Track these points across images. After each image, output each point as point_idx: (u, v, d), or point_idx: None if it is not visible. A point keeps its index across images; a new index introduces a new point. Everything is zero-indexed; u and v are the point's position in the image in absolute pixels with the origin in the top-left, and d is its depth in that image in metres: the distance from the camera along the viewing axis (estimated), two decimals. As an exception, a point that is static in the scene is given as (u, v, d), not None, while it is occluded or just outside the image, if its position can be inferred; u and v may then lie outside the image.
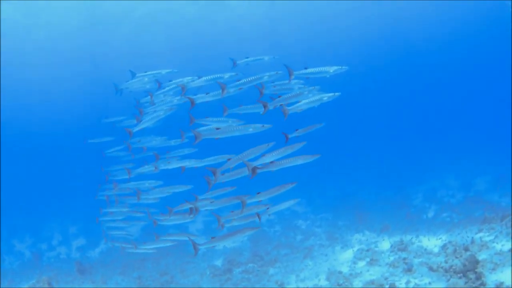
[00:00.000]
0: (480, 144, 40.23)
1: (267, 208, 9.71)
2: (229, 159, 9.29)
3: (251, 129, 9.31)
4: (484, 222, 16.19)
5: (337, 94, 9.75)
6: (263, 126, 9.25)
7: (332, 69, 9.78)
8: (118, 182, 14.20)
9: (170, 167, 11.73)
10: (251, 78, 9.94)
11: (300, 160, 8.92)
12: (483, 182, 28.63)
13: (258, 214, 9.65)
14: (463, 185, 29.13)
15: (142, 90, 13.26)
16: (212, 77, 10.57)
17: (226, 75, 10.39)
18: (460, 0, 43.01)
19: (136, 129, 11.96)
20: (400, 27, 49.86)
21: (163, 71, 12.63)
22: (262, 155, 8.98)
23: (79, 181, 46.35)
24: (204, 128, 10.10)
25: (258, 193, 9.34)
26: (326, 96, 9.69)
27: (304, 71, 9.88)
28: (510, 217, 14.92)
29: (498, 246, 13.79)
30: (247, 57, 10.95)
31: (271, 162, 8.91)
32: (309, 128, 9.60)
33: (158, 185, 13.05)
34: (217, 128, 9.47)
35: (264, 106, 9.51)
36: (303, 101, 9.65)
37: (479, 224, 16.51)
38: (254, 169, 8.81)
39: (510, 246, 13.65)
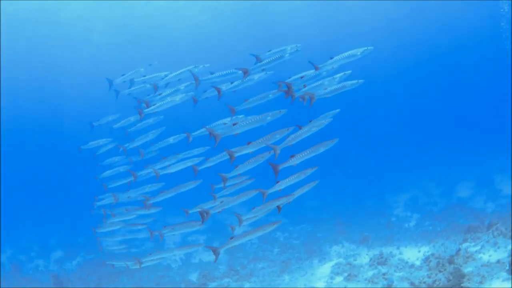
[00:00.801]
0: (462, 149, 39.80)
1: (289, 197, 9.15)
2: (249, 143, 9.08)
3: (269, 117, 9.20)
4: (469, 231, 15.25)
5: (360, 81, 9.68)
6: (280, 111, 9.18)
7: (359, 51, 9.57)
8: (115, 190, 13.68)
9: (172, 170, 11.58)
10: (273, 58, 9.92)
11: (322, 147, 8.84)
12: (466, 188, 28.24)
13: (279, 207, 9.12)
14: (445, 192, 28.70)
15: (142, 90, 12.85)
16: (230, 71, 10.44)
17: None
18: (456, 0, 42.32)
19: (149, 110, 11.56)
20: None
21: (162, 74, 12.19)
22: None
23: (65, 190, 46.35)
24: (216, 124, 10.32)
25: (278, 181, 8.97)
26: (349, 84, 9.65)
27: (330, 61, 9.73)
28: (498, 225, 13.90)
29: (485, 257, 13.05)
30: (269, 50, 10.24)
31: (292, 156, 8.79)
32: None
33: (158, 187, 12.56)
34: (234, 124, 9.37)
35: (287, 92, 9.47)
36: (328, 89, 9.63)
37: (464, 233, 15.69)
38: (275, 167, 8.74)
39: (498, 257, 12.70)
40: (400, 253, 15.95)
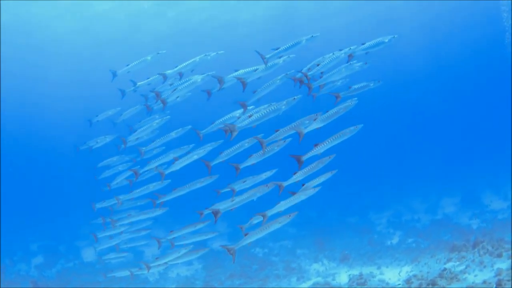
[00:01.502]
0: (447, 164, 39.66)
1: (303, 185, 8.96)
2: (276, 131, 8.83)
3: (284, 105, 9.07)
4: (454, 250, 14.48)
5: (380, 82, 10.01)
6: (294, 98, 9.07)
7: (387, 38, 9.92)
8: (116, 191, 13.10)
9: (176, 168, 11.03)
10: (289, 44, 9.87)
11: (347, 133, 8.75)
12: (451, 204, 27.98)
13: (294, 193, 8.87)
14: (429, 208, 28.31)
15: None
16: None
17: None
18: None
19: (169, 96, 11.18)
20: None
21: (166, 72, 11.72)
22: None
23: (55, 196, 45.96)
24: (228, 117, 10.12)
25: (295, 173, 8.79)
26: (372, 83, 9.96)
27: (362, 46, 9.93)
28: (484, 243, 13.13)
29: (471, 278, 12.49)
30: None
31: (316, 145, 8.69)
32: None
33: (163, 185, 11.97)
34: (250, 116, 9.14)
35: (301, 81, 9.67)
36: (353, 87, 9.90)
37: (448, 252, 14.92)
38: (299, 158, 8.61)
39: (484, 277, 11.92)
40: (381, 273, 15.42)
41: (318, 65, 9.97)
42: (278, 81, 9.77)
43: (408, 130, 55.75)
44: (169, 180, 11.77)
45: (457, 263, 13.69)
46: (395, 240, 22.67)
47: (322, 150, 8.71)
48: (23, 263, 27.16)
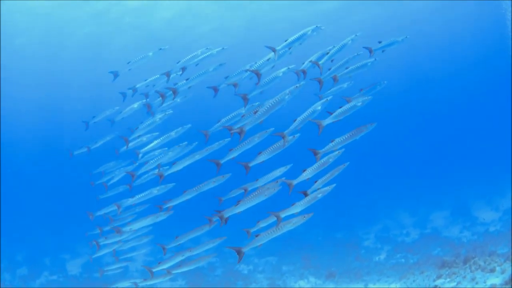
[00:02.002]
0: (436, 177, 38.96)
1: (315, 181, 8.71)
2: (295, 120, 8.67)
3: (287, 95, 8.85)
4: (444, 266, 13.76)
5: (385, 82, 10.21)
6: (297, 86, 8.87)
7: (400, 38, 10.46)
8: (115, 198, 12.47)
9: (177, 168, 10.54)
10: (296, 36, 9.94)
11: (361, 132, 8.68)
12: (440, 217, 27.57)
13: (305, 193, 8.49)
14: (418, 222, 27.92)
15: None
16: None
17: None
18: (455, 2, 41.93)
19: (184, 84, 11.09)
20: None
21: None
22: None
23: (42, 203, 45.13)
24: (232, 116, 10.01)
25: (304, 170, 8.65)
26: (379, 85, 10.18)
27: (379, 45, 10.44)
28: (475, 259, 12.38)
29: None
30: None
31: (332, 141, 8.67)
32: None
33: (166, 190, 11.33)
34: (255, 112, 8.90)
35: (304, 72, 9.82)
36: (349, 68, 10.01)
37: (438, 268, 14.29)
38: (316, 153, 8.55)
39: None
40: (368, 292, 14.57)
41: (327, 53, 10.14)
42: (280, 73, 9.74)
43: (395, 143, 55.28)
44: (173, 184, 11.29)
45: (448, 279, 13.08)
46: (383, 255, 22.34)
47: (338, 146, 8.67)
48: (7, 273, 26.59)
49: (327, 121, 8.65)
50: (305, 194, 8.48)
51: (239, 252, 8.51)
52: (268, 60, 10.00)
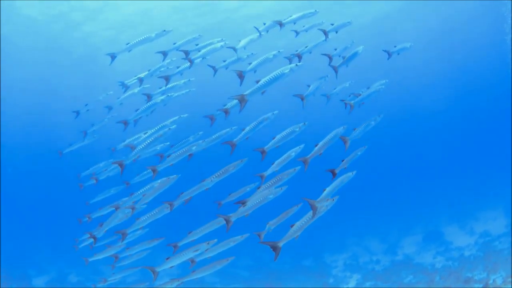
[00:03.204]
0: (406, 201, 38.22)
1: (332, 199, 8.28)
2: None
3: (288, 70, 9.06)
4: None
5: (387, 80, 10.66)
6: (296, 64, 9.16)
7: (408, 44, 11.54)
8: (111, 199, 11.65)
9: (175, 160, 10.06)
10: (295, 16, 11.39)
11: (372, 123, 9.49)
12: (412, 243, 26.78)
13: (333, 171, 8.99)
14: (389, 249, 27.20)
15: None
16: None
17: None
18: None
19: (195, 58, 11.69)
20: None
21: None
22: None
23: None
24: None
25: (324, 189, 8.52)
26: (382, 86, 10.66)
27: (394, 49, 11.54)
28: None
29: None
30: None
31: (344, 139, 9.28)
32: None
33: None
34: (257, 81, 9.06)
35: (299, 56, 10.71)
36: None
37: None
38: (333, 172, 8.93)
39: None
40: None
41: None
42: (271, 56, 10.13)
43: (363, 166, 54.48)
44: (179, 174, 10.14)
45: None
46: (351, 284, 21.98)
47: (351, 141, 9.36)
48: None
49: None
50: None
51: (275, 248, 7.86)
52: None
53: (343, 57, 10.82)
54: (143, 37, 12.06)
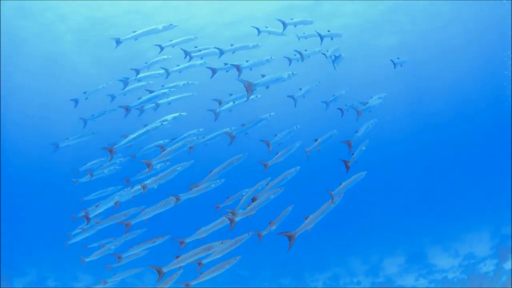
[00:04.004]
0: (389, 222, 37.54)
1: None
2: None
3: (287, 75, 9.77)
4: None
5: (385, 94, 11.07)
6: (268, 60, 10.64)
7: (401, 60, 12.29)
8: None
9: (171, 155, 10.17)
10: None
11: (370, 125, 10.07)
12: (394, 264, 26.19)
13: (346, 161, 9.43)
14: (370, 270, 26.55)
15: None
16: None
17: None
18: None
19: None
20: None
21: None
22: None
23: None
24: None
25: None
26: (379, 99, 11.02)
27: (398, 60, 12.30)
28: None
29: None
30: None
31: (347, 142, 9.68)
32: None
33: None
34: (263, 75, 9.69)
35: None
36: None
37: None
38: (346, 163, 9.35)
39: None
40: None
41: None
42: (264, 60, 10.99)
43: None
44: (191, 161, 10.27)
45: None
46: None
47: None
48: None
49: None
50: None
51: (291, 237, 8.31)
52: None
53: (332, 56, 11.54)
54: (150, 28, 12.17)
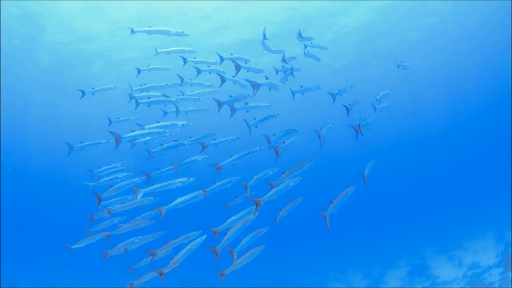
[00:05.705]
0: (390, 234, 36.63)
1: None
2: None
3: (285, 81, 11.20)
4: None
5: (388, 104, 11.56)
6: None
7: (405, 64, 12.87)
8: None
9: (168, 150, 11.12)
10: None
11: (373, 123, 10.63)
12: (396, 277, 25.53)
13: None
14: (372, 283, 25.99)
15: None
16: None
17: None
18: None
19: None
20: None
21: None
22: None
23: None
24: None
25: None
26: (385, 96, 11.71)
27: (402, 63, 12.87)
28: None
29: None
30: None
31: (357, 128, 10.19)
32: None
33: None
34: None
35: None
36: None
37: None
38: (363, 175, 10.24)
39: None
40: None
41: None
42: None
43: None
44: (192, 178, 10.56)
45: None
46: None
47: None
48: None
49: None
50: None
51: (326, 217, 9.06)
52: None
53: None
54: (164, 28, 12.68)
